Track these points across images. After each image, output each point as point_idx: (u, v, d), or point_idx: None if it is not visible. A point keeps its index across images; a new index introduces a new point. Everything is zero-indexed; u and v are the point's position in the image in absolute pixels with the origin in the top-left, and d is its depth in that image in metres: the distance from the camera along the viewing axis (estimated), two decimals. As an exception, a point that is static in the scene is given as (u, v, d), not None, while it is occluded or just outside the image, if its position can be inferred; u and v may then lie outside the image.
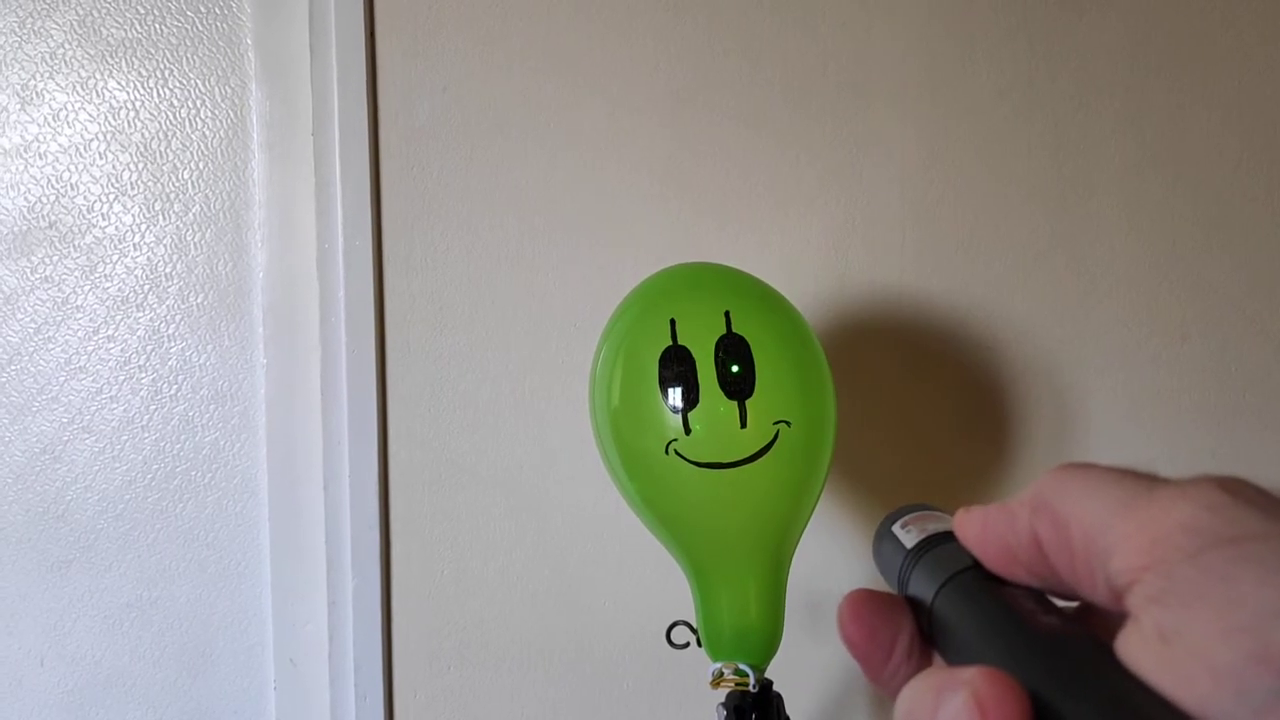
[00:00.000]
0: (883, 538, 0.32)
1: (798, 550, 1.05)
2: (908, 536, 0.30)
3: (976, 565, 0.27)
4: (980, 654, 0.24)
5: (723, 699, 0.97)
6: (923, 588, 0.28)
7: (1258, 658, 0.19)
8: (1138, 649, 0.21)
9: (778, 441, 0.81)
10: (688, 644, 1.00)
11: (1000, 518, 0.26)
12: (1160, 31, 1.11)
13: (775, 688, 0.98)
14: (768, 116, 1.13)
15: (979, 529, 0.27)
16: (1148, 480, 0.24)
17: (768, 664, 0.96)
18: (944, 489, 1.13)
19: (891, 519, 0.32)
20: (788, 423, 0.82)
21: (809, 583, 1.14)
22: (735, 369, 0.80)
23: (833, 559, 1.13)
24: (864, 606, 0.28)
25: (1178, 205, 1.11)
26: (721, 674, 0.99)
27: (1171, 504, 0.22)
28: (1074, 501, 0.24)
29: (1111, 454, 1.12)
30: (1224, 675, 0.19)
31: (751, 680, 0.95)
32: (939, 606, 0.27)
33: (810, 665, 1.13)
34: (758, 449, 0.81)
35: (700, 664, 0.99)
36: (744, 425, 0.80)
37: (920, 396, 1.13)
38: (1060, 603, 0.25)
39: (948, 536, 0.29)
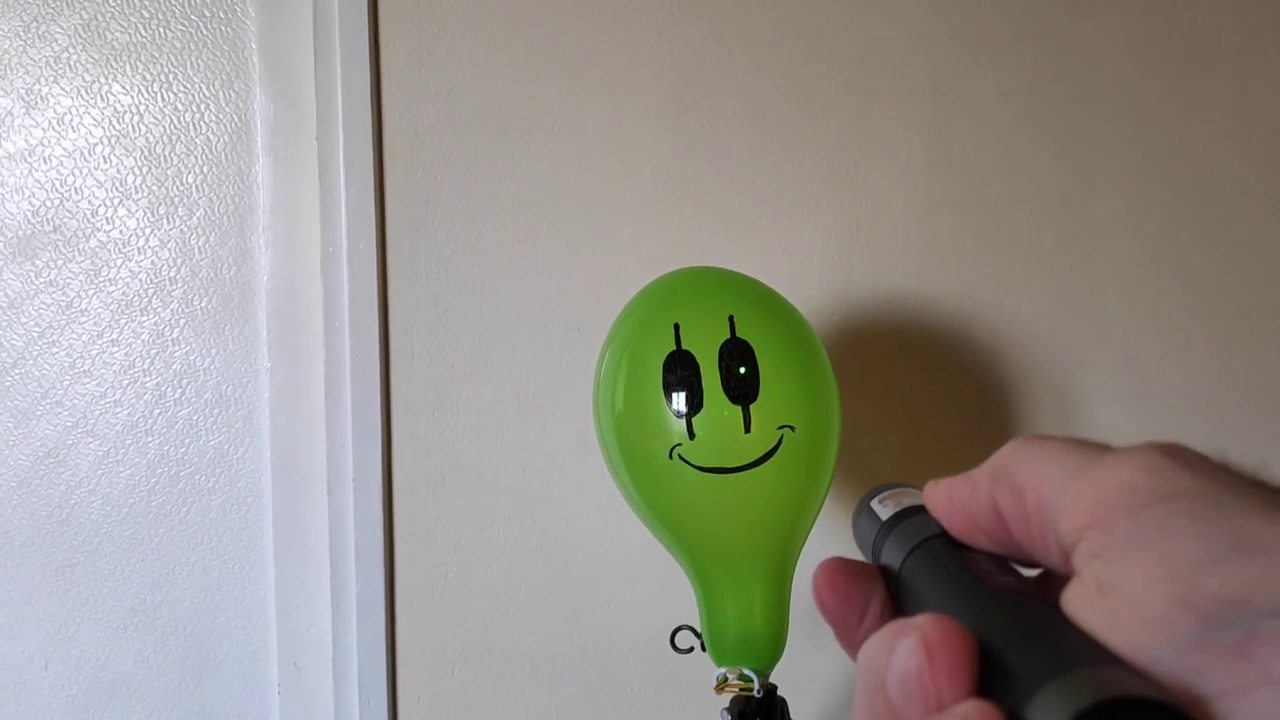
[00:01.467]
0: (860, 512, 0.34)
1: (802, 555, 1.05)
2: (883, 510, 0.32)
3: (944, 534, 0.28)
4: (936, 608, 0.25)
5: (727, 704, 0.96)
6: (893, 555, 0.29)
7: (1184, 603, 0.20)
8: (1079, 601, 0.22)
9: (782, 446, 0.81)
10: (692, 649, 1.00)
11: (963, 487, 0.27)
12: (1164, 34, 1.11)
13: (780, 693, 0.98)
14: (771, 119, 1.13)
15: (944, 498, 0.28)
16: (1098, 448, 0.25)
17: (772, 669, 0.96)
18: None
19: (870, 495, 0.34)
20: (792, 427, 0.81)
21: (812, 587, 1.13)
22: (741, 372, 0.80)
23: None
24: (838, 573, 0.30)
25: (1182, 208, 1.11)
26: (726, 679, 0.99)
27: (1116, 466, 0.24)
28: (1030, 470, 0.25)
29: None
30: (1154, 621, 0.20)
31: (756, 685, 0.94)
32: (906, 571, 0.28)
33: (815, 670, 1.13)
34: (762, 454, 0.81)
35: (704, 669, 0.99)
36: (748, 430, 0.80)
37: (925, 399, 1.13)
38: (1024, 571, 0.27)
39: (920, 509, 0.30)
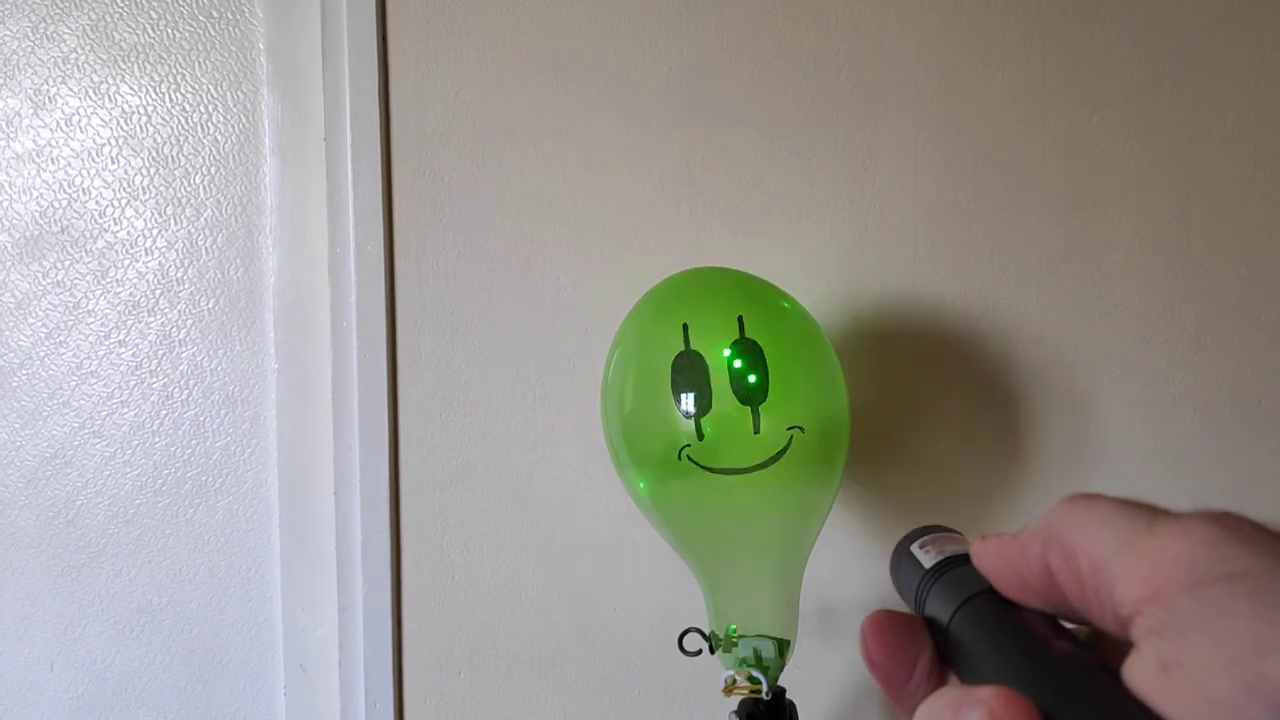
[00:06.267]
0: (901, 557, 0.33)
1: (811, 558, 1.05)
2: (926, 557, 0.31)
3: (989, 589, 0.28)
4: (996, 674, 0.25)
5: (735, 707, 0.96)
6: (939, 608, 0.29)
7: (1252, 689, 0.20)
8: (1141, 676, 0.22)
9: (791, 447, 0.81)
10: (700, 651, 0.99)
11: (1013, 548, 0.27)
12: (1174, 37, 1.10)
13: (789, 696, 0.97)
14: (779, 122, 1.13)
15: (993, 557, 0.28)
16: (1149, 513, 0.25)
17: (781, 671, 0.96)
18: (958, 497, 1.12)
19: (910, 539, 0.33)
20: (801, 428, 0.81)
21: (823, 590, 1.13)
22: (750, 376, 0.80)
23: (848, 567, 1.13)
24: (886, 627, 0.30)
25: (1191, 212, 1.10)
26: (734, 681, 0.98)
27: (1170, 539, 0.24)
28: (1082, 533, 0.25)
29: (1125, 463, 1.11)
30: (1220, 705, 0.20)
31: (764, 688, 0.94)
32: (955, 627, 0.28)
33: (824, 673, 1.13)
34: (772, 454, 0.81)
35: (712, 671, 0.99)
36: (757, 431, 0.80)
37: (934, 403, 1.13)
38: (1070, 626, 0.26)
39: (965, 559, 0.30)
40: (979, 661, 0.26)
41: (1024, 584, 0.27)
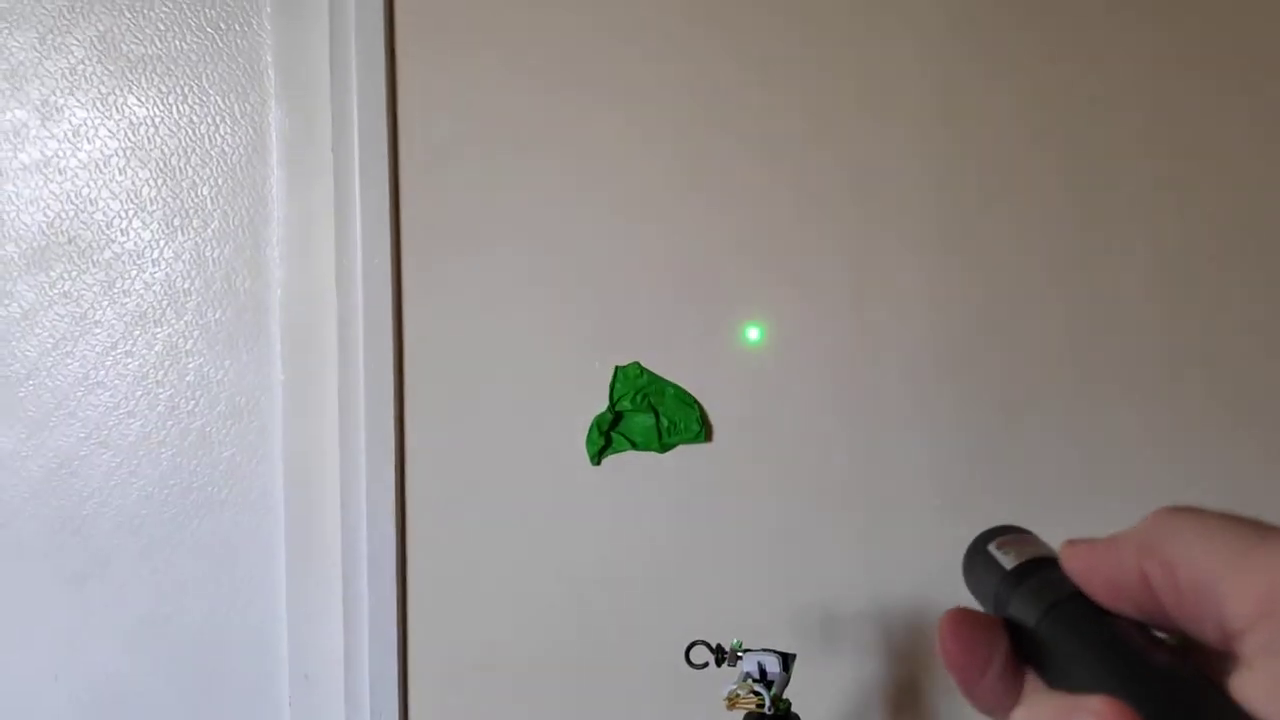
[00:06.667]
0: (977, 556, 0.32)
1: (814, 569, 1.05)
2: (1005, 558, 0.31)
3: (1077, 593, 0.28)
4: (1093, 682, 0.25)
5: (740, 719, 0.96)
6: (1025, 610, 0.29)
7: None
8: (1253, 693, 0.22)
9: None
10: (706, 664, 1.00)
11: (1107, 554, 0.27)
12: (1182, 49, 1.11)
13: (794, 709, 0.98)
14: (785, 133, 1.13)
15: (1084, 561, 0.28)
16: (1257, 528, 0.25)
17: (785, 687, 0.96)
18: (962, 513, 1.12)
19: (985, 539, 0.33)
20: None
21: (825, 602, 1.14)
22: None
23: (853, 580, 1.13)
24: (963, 625, 0.29)
25: (1198, 221, 1.11)
26: (737, 695, 0.99)
27: None
28: (1184, 546, 0.25)
29: (1130, 474, 1.11)
30: None
31: (766, 702, 0.95)
32: (1044, 630, 0.28)
33: (826, 683, 1.13)
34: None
35: (716, 685, 0.99)
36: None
37: (937, 412, 1.13)
38: (1161, 635, 0.27)
39: (1048, 562, 0.30)
40: (1072, 667, 0.26)
41: (1116, 590, 0.27)
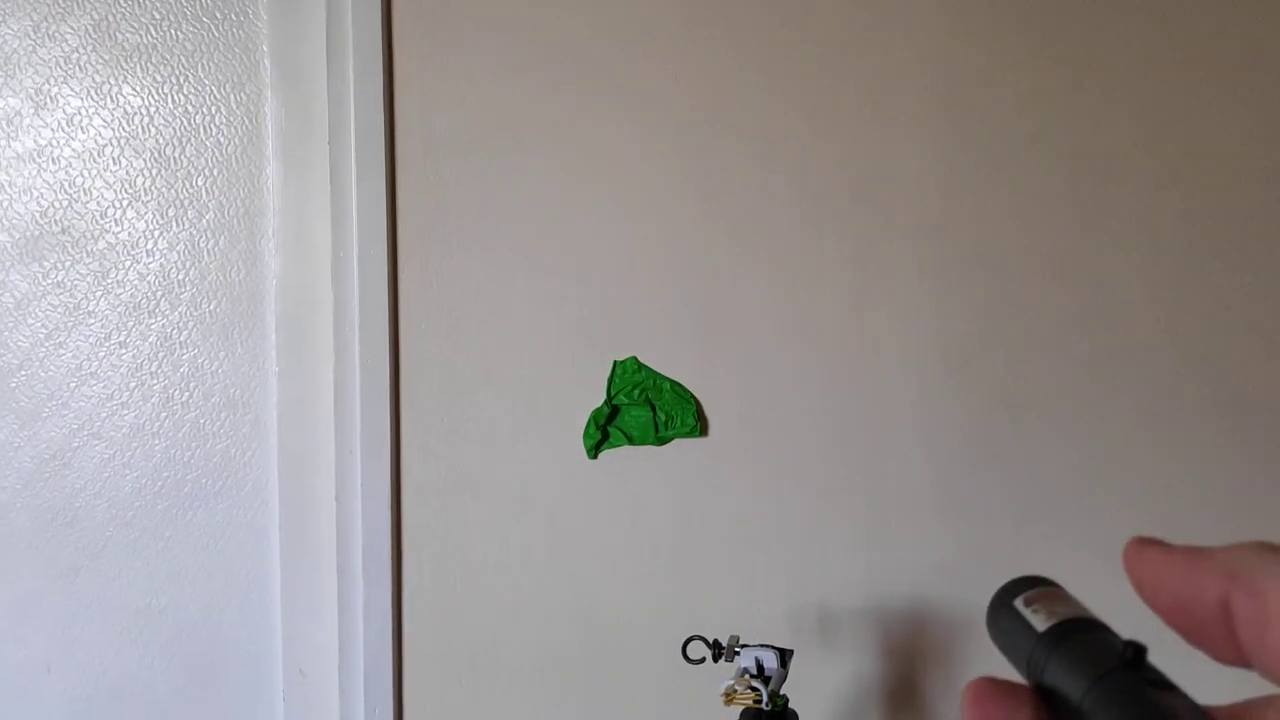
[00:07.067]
0: (1002, 613, 0.30)
1: (812, 567, 1.05)
2: (1036, 617, 0.29)
3: (1127, 663, 0.26)
4: None
5: (737, 716, 0.96)
6: (1065, 680, 0.27)
7: None
8: None
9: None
10: (703, 659, 0.99)
11: (1184, 569, 0.25)
12: (1182, 50, 1.11)
13: (791, 705, 0.97)
14: (784, 132, 1.13)
15: (1154, 572, 0.26)
16: None
17: (783, 683, 0.96)
18: (961, 511, 1.12)
19: (1009, 594, 0.31)
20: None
21: (823, 599, 1.13)
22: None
23: (851, 576, 1.13)
24: (989, 697, 0.27)
25: (1197, 224, 1.11)
26: (734, 690, 0.98)
27: None
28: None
29: (1129, 471, 1.11)
30: None
31: (764, 697, 0.94)
32: (1090, 707, 0.26)
33: (824, 679, 1.13)
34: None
35: (713, 680, 0.99)
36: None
37: (936, 410, 1.13)
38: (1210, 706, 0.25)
39: (1087, 624, 0.28)
40: None
41: (1184, 612, 0.25)
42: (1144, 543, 0.26)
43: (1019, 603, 0.30)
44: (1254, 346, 1.11)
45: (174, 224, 1.21)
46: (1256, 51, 1.10)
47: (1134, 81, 1.11)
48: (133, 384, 1.22)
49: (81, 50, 1.21)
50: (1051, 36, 1.11)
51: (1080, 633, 0.28)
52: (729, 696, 0.97)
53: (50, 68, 1.21)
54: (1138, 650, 0.26)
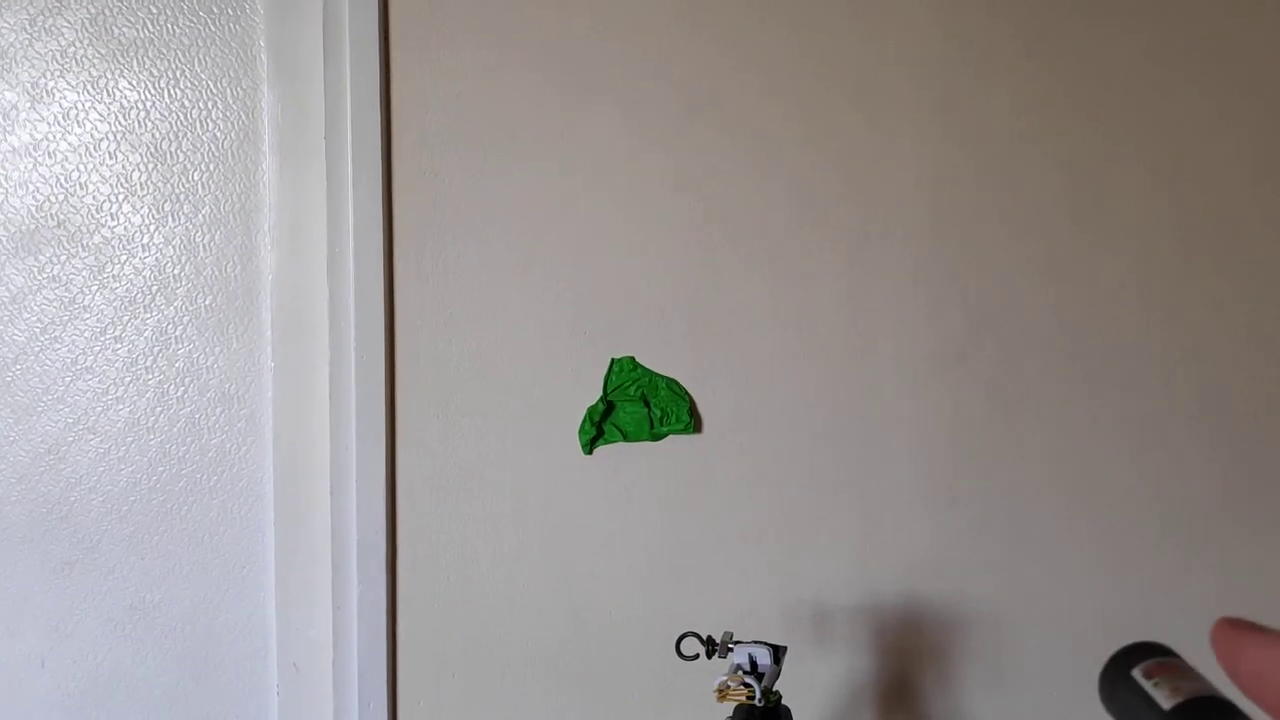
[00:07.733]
0: (1120, 682, 0.29)
1: (807, 564, 1.05)
2: (1159, 692, 0.28)
3: None
4: None
5: (730, 712, 0.96)
6: None
7: None
8: None
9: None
10: (697, 655, 1.00)
11: None
12: (1179, 52, 1.11)
13: (783, 701, 0.98)
14: (779, 130, 1.13)
15: (1254, 665, 0.23)
16: None
17: (776, 679, 0.96)
18: (954, 507, 1.12)
19: (1126, 662, 0.29)
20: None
21: (816, 597, 1.14)
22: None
23: (845, 573, 1.13)
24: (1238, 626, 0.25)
25: (1192, 224, 1.11)
26: (727, 687, 0.99)
27: None
28: None
29: (1119, 472, 1.11)
30: None
31: (757, 693, 0.94)
32: None
33: (817, 675, 1.13)
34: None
35: (706, 676, 0.99)
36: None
37: (930, 407, 1.13)
38: None
39: (1216, 706, 0.26)
40: None
41: None
42: (1236, 628, 0.24)
43: (1138, 673, 0.28)
44: (1245, 344, 1.11)
45: (170, 219, 1.21)
46: (1247, 53, 1.11)
47: (1125, 83, 1.11)
48: (128, 379, 1.22)
49: (78, 44, 1.21)
50: (1044, 39, 1.11)
51: (1208, 712, 0.26)
52: (722, 693, 0.97)
53: (47, 61, 1.21)
54: None
